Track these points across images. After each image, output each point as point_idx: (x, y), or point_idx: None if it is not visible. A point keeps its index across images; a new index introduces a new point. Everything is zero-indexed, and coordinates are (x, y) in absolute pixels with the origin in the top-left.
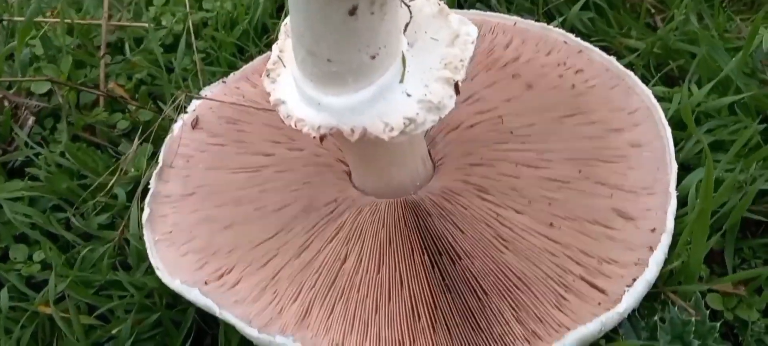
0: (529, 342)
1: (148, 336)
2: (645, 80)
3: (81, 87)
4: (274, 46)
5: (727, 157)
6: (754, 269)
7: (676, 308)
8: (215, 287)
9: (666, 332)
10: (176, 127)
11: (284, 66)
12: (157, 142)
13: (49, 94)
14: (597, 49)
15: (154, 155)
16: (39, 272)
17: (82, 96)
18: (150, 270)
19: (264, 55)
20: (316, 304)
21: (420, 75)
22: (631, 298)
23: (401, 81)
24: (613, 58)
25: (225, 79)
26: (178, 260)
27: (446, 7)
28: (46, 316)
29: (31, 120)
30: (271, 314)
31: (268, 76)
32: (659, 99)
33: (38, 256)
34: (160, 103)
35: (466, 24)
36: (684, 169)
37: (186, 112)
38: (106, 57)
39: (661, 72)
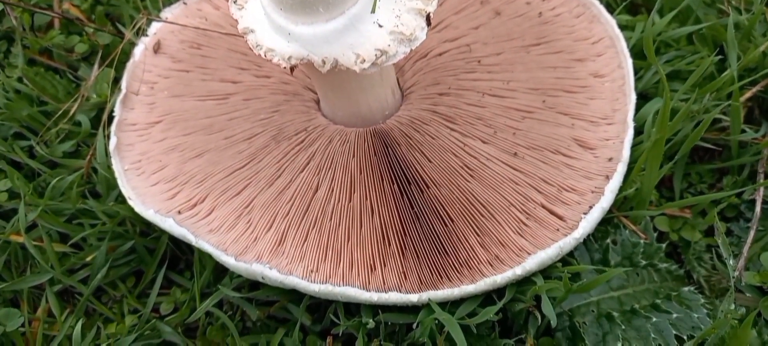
0: (492, 266)
1: (122, 262)
2: (610, 9)
3: (34, 8)
4: None
5: (683, 88)
6: (701, 195)
7: (627, 231)
8: (189, 216)
9: (617, 254)
10: (138, 52)
11: None
12: (119, 66)
13: (1, 15)
14: None
15: (116, 80)
16: (6, 200)
17: (36, 17)
18: (120, 199)
19: None
20: (290, 232)
21: (392, 5)
22: (587, 224)
23: (373, 11)
24: None
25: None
26: (149, 189)
27: None
28: (19, 244)
29: None
30: (247, 242)
31: (235, 2)
32: (622, 27)
33: (4, 184)
34: (119, 26)
35: None
36: (643, 98)
37: (147, 36)
38: None
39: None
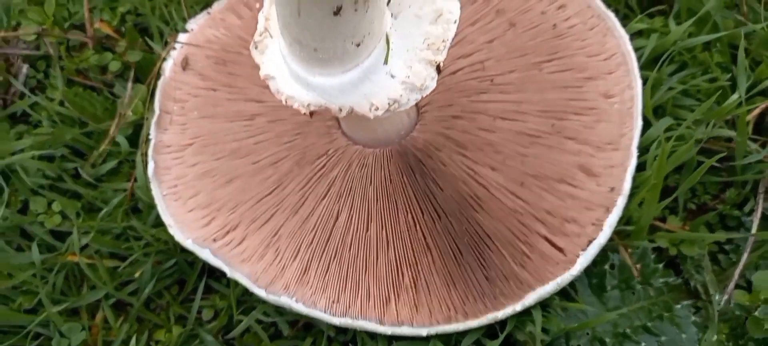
0: (495, 299)
1: (166, 274)
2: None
3: (70, 36)
4: (260, 14)
5: (690, 118)
6: (705, 207)
7: (624, 257)
8: (223, 245)
9: (613, 277)
10: (167, 68)
11: (271, 36)
12: (151, 79)
13: (38, 37)
14: None
15: (149, 94)
16: (60, 222)
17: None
18: (159, 218)
19: None
20: (313, 262)
21: (403, 55)
22: (585, 260)
23: (386, 62)
24: None
25: (209, 9)
26: (185, 216)
27: None
28: (73, 262)
29: (25, 68)
30: (275, 271)
31: (256, 47)
32: (638, 34)
33: (56, 206)
34: (148, 40)
35: (449, 0)
36: (653, 112)
37: (174, 48)
38: None
39: (653, 8)
